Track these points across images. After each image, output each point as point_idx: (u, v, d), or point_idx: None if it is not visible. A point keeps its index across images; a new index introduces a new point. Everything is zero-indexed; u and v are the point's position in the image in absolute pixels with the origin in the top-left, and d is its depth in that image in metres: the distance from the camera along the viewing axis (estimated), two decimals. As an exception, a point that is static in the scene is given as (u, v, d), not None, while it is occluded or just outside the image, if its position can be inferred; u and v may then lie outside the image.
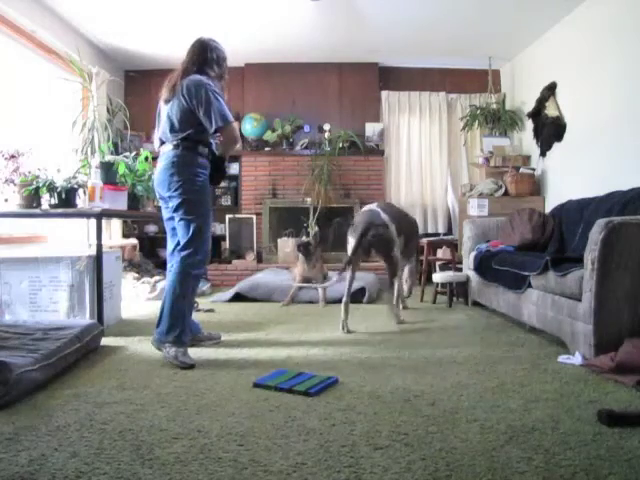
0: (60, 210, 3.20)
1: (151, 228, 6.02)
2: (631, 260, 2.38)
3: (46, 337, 2.41)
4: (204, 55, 2.71)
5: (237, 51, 5.44)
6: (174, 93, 2.60)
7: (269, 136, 5.96)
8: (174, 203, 2.61)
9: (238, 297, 4.54)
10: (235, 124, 2.71)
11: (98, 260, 3.16)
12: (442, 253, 5.34)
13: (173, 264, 2.68)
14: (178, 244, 2.74)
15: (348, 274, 3.35)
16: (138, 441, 1.56)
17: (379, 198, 6.02)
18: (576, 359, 2.45)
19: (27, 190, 3.15)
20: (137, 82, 6.05)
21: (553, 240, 3.90)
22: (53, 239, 4.38)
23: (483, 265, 3.86)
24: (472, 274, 4.13)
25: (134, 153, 3.91)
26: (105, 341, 2.89)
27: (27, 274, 3.20)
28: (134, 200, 3.71)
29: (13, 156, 3.24)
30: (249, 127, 5.93)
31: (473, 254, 4.12)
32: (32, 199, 3.20)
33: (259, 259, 5.91)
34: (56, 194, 3.19)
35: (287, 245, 5.77)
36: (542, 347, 2.81)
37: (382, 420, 1.73)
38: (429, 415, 1.78)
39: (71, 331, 2.52)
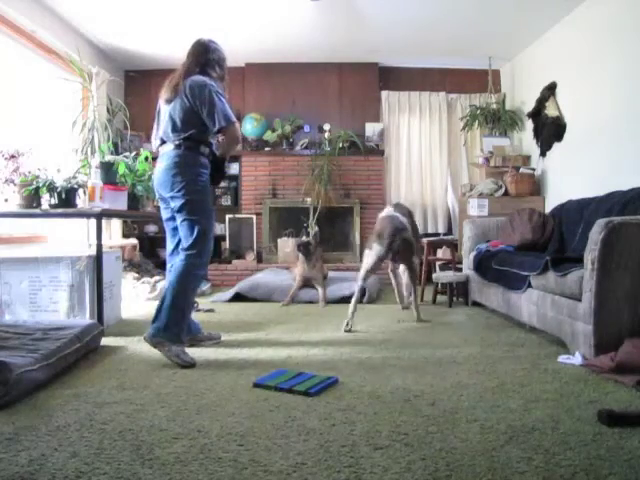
0: (60, 210, 3.20)
1: (151, 228, 6.02)
2: (631, 260, 2.38)
3: (46, 337, 2.41)
4: (206, 56, 2.72)
5: (237, 51, 5.45)
6: (176, 93, 2.61)
7: (269, 136, 5.96)
8: (177, 203, 2.60)
9: (238, 297, 4.54)
10: (237, 124, 2.72)
11: (98, 260, 3.16)
12: (442, 253, 5.34)
13: (174, 264, 2.69)
14: (178, 244, 2.74)
15: (361, 275, 3.46)
16: (138, 441, 1.56)
17: (379, 198, 6.05)
18: (576, 359, 2.45)
19: (27, 190, 3.15)
20: (137, 82, 6.05)
21: (553, 240, 3.90)
22: (53, 239, 4.38)
23: (483, 265, 3.87)
24: (472, 274, 4.13)
25: (134, 153, 3.91)
26: (105, 341, 2.89)
27: (27, 274, 3.20)
28: (134, 200, 3.71)
29: (13, 156, 3.24)
30: (249, 127, 5.93)
31: (473, 254, 4.12)
32: (32, 199, 3.20)
33: (259, 259, 5.92)
34: (56, 194, 3.19)
35: (287, 245, 5.77)
36: (542, 347, 2.81)
37: (382, 420, 1.73)
38: (429, 415, 1.78)
39: (71, 331, 2.52)
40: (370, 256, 3.42)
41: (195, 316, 2.91)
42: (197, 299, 3.47)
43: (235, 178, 6.13)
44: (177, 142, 2.60)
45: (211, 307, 4.16)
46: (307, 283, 4.55)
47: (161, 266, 5.08)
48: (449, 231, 6.09)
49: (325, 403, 1.91)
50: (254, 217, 5.99)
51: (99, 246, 3.15)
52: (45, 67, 4.64)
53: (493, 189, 5.13)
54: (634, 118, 3.78)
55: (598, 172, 4.20)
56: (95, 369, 2.39)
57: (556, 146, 4.95)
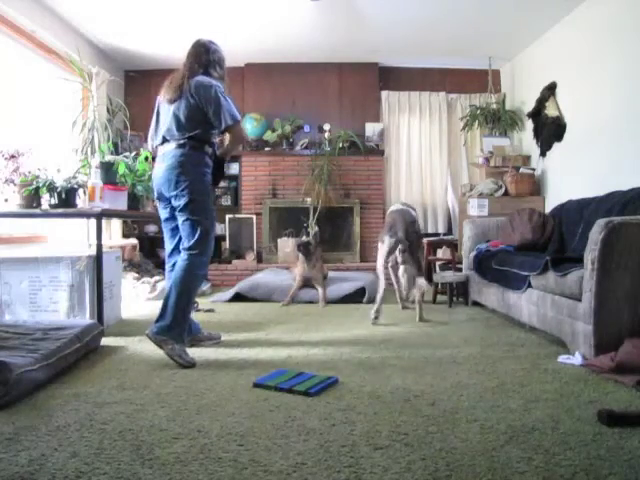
0: (60, 210, 3.20)
1: (151, 228, 6.02)
2: (631, 260, 2.38)
3: (46, 337, 2.41)
4: (207, 57, 2.74)
5: (237, 51, 5.45)
6: (181, 93, 2.62)
7: (269, 136, 5.96)
8: (180, 202, 2.60)
9: (238, 297, 4.54)
10: (242, 124, 2.73)
11: (98, 260, 3.16)
12: (442, 253, 5.34)
13: (174, 263, 2.69)
14: (177, 244, 2.75)
15: (379, 267, 3.61)
16: (138, 441, 1.56)
17: (379, 198, 6.05)
18: (576, 359, 2.45)
19: (27, 190, 3.15)
20: (137, 82, 6.05)
21: (553, 240, 3.90)
22: (53, 239, 4.38)
23: (483, 265, 3.87)
24: (472, 274, 4.13)
25: (134, 153, 3.92)
26: (105, 341, 2.89)
27: (27, 274, 3.20)
28: (134, 200, 3.71)
29: (13, 156, 3.24)
30: (249, 127, 5.93)
31: (473, 254, 4.12)
32: (32, 199, 3.20)
33: (259, 259, 5.92)
34: (56, 194, 3.19)
35: (287, 245, 5.77)
36: (542, 347, 2.81)
37: (382, 420, 1.73)
38: (429, 415, 1.78)
39: (71, 331, 2.52)
40: (382, 249, 3.58)
41: (195, 316, 2.91)
42: (197, 299, 3.47)
43: (235, 178, 6.13)
44: (182, 141, 2.61)
45: (211, 307, 4.16)
46: (307, 283, 4.55)
47: (161, 266, 5.07)
48: (449, 231, 6.09)
49: (325, 403, 1.91)
50: (254, 217, 5.99)
51: (99, 246, 3.15)
52: (45, 67, 4.63)
53: (493, 189, 5.13)
54: (634, 118, 3.78)
55: (598, 172, 4.20)
56: (95, 369, 2.39)
57: (556, 146, 4.95)
